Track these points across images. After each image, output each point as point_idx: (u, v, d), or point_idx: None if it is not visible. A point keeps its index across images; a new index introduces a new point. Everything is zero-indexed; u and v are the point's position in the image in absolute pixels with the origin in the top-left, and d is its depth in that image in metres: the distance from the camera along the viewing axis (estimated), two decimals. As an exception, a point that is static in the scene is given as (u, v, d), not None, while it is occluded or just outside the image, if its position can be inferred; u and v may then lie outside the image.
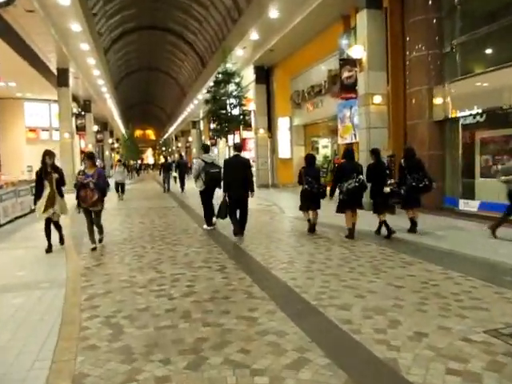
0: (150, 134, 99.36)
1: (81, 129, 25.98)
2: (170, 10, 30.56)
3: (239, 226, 8.53)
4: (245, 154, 33.17)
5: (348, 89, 12.72)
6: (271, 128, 24.30)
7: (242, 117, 17.84)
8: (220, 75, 17.48)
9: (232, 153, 9.51)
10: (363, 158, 12.19)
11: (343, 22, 15.52)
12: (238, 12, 22.42)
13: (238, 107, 17.78)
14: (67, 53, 19.78)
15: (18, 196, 12.17)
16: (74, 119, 24.61)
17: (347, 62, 12.56)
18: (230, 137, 19.68)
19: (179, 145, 65.90)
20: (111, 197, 16.67)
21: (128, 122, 56.27)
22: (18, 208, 12.17)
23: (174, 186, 23.34)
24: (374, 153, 8.44)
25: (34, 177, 16.15)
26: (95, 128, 35.47)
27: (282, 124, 22.96)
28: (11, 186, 12.03)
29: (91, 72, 24.35)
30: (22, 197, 12.61)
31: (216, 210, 8.79)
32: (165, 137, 77.67)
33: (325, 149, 23.48)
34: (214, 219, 9.60)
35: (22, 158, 27.10)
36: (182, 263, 6.42)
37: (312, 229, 8.68)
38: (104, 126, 48.09)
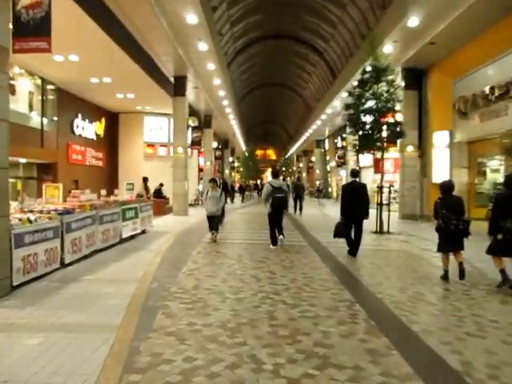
0: (271, 153, 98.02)
1: (196, 143, 23.38)
2: (300, 13, 27.23)
3: (354, 248, 8.98)
4: (378, 177, 28.47)
5: None
6: (421, 145, 19.37)
7: (395, 127, 13.27)
8: (367, 73, 13.28)
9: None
10: None
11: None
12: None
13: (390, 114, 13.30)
14: (184, 55, 17.17)
15: (99, 223, 9.11)
16: (190, 132, 22.09)
17: None
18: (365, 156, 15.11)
19: (301, 165, 62.53)
20: (202, 234, 12.22)
21: (249, 141, 54.52)
22: (98, 239, 9.09)
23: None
24: None
25: (134, 196, 13.44)
26: (214, 144, 33.28)
27: (439, 140, 17.93)
28: (90, 208, 8.97)
29: (211, 81, 21.76)
30: (107, 224, 9.57)
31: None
32: (285, 157, 75.16)
33: (494, 173, 18.04)
34: (281, 237, 10.12)
35: (139, 174, 25.60)
36: None
37: (461, 275, 6.66)
38: (225, 143, 46.48)
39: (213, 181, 11.28)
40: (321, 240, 11.36)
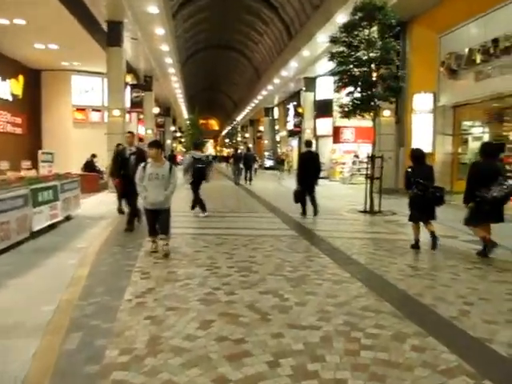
0: (214, 124, 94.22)
1: (136, 104, 19.59)
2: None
3: (314, 209, 10.06)
4: (339, 147, 26.14)
5: None
6: (398, 109, 17.05)
7: (392, 80, 10.52)
8: (357, 14, 10.40)
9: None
10: None
11: None
12: None
13: (391, 65, 10.57)
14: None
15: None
16: (128, 92, 18.41)
17: None
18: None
19: (247, 135, 59.54)
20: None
21: (191, 110, 50.42)
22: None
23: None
24: None
25: (54, 171, 9.95)
26: (156, 110, 29.48)
27: (421, 103, 15.75)
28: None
29: (153, 30, 18.13)
30: (4, 213, 6.29)
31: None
32: (229, 127, 71.73)
33: (476, 142, 16.31)
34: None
35: (67, 143, 21.88)
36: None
37: (434, 245, 6.59)
38: (167, 111, 42.45)
39: (155, 145, 6.37)
40: (308, 226, 8.68)
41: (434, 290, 4.65)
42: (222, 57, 44.79)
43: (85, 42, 17.02)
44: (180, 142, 55.51)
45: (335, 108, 11.29)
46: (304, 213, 10.10)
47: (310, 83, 27.45)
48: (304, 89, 28.29)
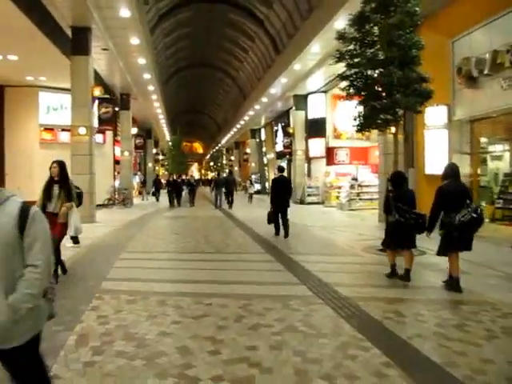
0: (198, 147, 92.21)
1: (106, 121, 17.15)
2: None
3: (284, 232, 10.64)
4: (333, 170, 24.04)
5: None
6: (406, 125, 14.98)
7: (419, 84, 8.39)
8: (370, 2, 8.30)
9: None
10: None
11: None
12: None
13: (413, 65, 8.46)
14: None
15: None
16: (96, 106, 16.06)
17: None
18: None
19: (232, 158, 57.42)
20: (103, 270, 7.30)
21: (174, 132, 48.15)
22: None
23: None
24: None
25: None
26: (134, 131, 27.16)
27: (433, 118, 13.73)
28: None
29: (127, 40, 15.92)
30: None
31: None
32: (214, 150, 69.73)
33: (496, 161, 14.41)
34: None
35: (33, 165, 19.71)
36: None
37: (406, 276, 6.06)
38: (148, 133, 40.15)
39: None
40: (324, 276, 6.38)
41: None
42: (204, 76, 42.98)
43: (47, 51, 14.86)
44: (162, 166, 53.14)
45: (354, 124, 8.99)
46: (277, 233, 10.83)
47: (301, 101, 25.54)
48: (294, 108, 26.36)
